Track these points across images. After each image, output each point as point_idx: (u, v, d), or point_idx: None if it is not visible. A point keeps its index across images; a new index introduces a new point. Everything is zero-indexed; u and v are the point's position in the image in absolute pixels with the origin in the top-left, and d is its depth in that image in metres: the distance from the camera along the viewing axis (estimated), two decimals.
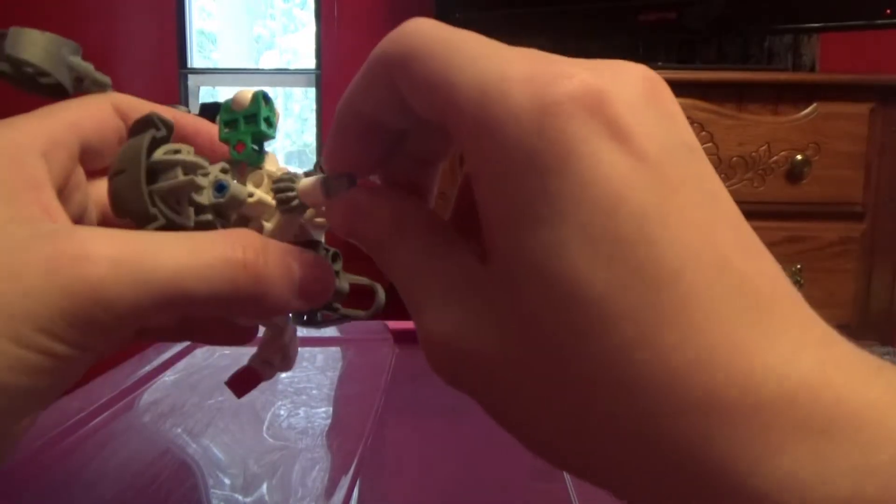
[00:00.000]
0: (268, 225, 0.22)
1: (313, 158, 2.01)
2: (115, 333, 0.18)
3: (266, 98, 0.22)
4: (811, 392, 0.13)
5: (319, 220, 0.23)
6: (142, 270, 0.17)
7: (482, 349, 0.16)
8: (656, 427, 0.14)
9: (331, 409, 0.44)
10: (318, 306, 0.22)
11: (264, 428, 0.39)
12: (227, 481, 0.34)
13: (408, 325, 0.52)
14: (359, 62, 0.18)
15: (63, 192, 0.22)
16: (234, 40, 2.35)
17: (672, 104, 0.16)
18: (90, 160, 0.23)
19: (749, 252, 0.15)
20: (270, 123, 0.22)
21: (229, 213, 0.22)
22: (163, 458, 0.36)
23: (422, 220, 0.19)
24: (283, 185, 0.22)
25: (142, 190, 0.20)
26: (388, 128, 0.19)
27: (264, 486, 0.33)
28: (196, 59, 1.98)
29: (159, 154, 0.21)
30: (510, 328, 0.16)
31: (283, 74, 2.12)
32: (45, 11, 1.85)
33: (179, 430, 0.39)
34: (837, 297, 1.21)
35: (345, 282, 0.24)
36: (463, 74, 0.16)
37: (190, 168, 0.21)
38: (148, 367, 0.48)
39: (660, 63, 1.37)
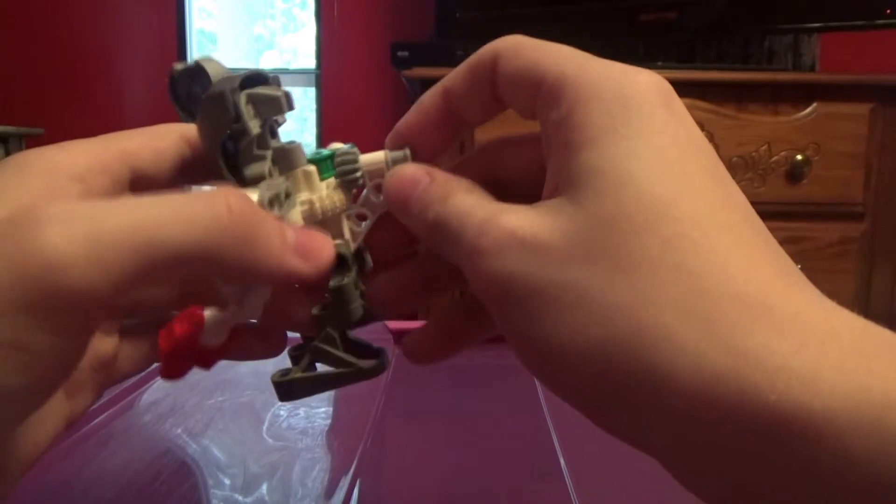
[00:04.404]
0: (320, 196, 0.24)
1: None
2: (93, 309, 0.16)
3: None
4: (842, 322, 0.16)
5: (362, 212, 0.24)
6: (105, 228, 0.15)
7: (553, 232, 0.18)
8: (703, 307, 0.16)
9: (331, 409, 0.44)
10: (321, 272, 0.21)
11: (264, 428, 0.39)
12: (227, 481, 0.34)
13: (407, 325, 0.52)
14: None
15: None
16: (234, 40, 2.34)
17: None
18: (145, 186, 0.23)
19: (758, 216, 0.19)
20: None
21: (284, 168, 0.23)
22: (163, 458, 0.36)
23: (475, 185, 0.22)
24: (346, 157, 0.23)
25: (227, 90, 0.22)
26: (462, 118, 0.23)
27: (264, 486, 0.33)
28: None
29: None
30: (584, 215, 0.18)
31: (283, 74, 2.12)
32: (45, 11, 1.85)
33: (179, 430, 0.39)
34: (837, 297, 1.19)
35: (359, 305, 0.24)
36: (565, 58, 0.20)
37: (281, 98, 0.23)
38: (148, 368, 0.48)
39: (660, 63, 1.37)
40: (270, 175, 0.23)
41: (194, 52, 1.98)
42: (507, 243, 0.18)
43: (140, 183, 0.23)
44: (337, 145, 0.24)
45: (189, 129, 0.24)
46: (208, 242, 0.17)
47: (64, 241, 0.15)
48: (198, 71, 0.23)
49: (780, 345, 0.15)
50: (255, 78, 0.23)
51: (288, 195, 0.23)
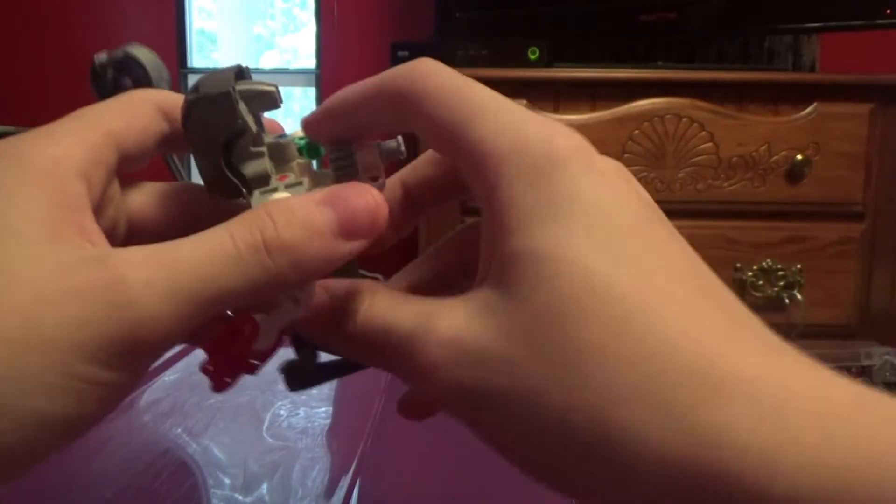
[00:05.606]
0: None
1: None
2: (163, 349, 0.18)
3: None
4: (799, 380, 0.16)
5: None
6: (180, 284, 0.17)
7: (494, 335, 0.17)
8: (658, 393, 0.16)
9: (331, 409, 0.44)
10: (376, 235, 0.20)
11: (264, 428, 0.39)
12: (227, 481, 0.34)
13: None
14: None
15: (96, 208, 0.21)
16: (234, 40, 2.34)
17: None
18: (127, 166, 0.23)
19: (703, 267, 0.18)
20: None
21: (280, 162, 0.23)
22: (163, 458, 0.36)
23: (378, 284, 0.21)
24: (341, 153, 0.23)
25: (231, 88, 0.21)
26: (374, 128, 0.23)
27: (264, 486, 0.33)
28: (196, 59, 1.98)
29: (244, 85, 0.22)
30: (522, 311, 0.17)
31: (283, 74, 2.12)
32: (45, 11, 1.85)
33: (179, 430, 0.39)
34: (837, 297, 1.21)
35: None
36: (484, 125, 0.19)
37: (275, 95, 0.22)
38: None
39: (660, 63, 1.37)
40: (272, 171, 0.23)
41: (194, 52, 1.98)
42: (451, 354, 0.18)
43: (124, 164, 0.22)
44: (299, 132, 0.24)
45: (162, 97, 0.23)
46: (262, 281, 0.18)
47: (150, 299, 0.17)
48: (127, 61, 0.22)
49: (738, 421, 0.15)
50: (238, 74, 0.23)
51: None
